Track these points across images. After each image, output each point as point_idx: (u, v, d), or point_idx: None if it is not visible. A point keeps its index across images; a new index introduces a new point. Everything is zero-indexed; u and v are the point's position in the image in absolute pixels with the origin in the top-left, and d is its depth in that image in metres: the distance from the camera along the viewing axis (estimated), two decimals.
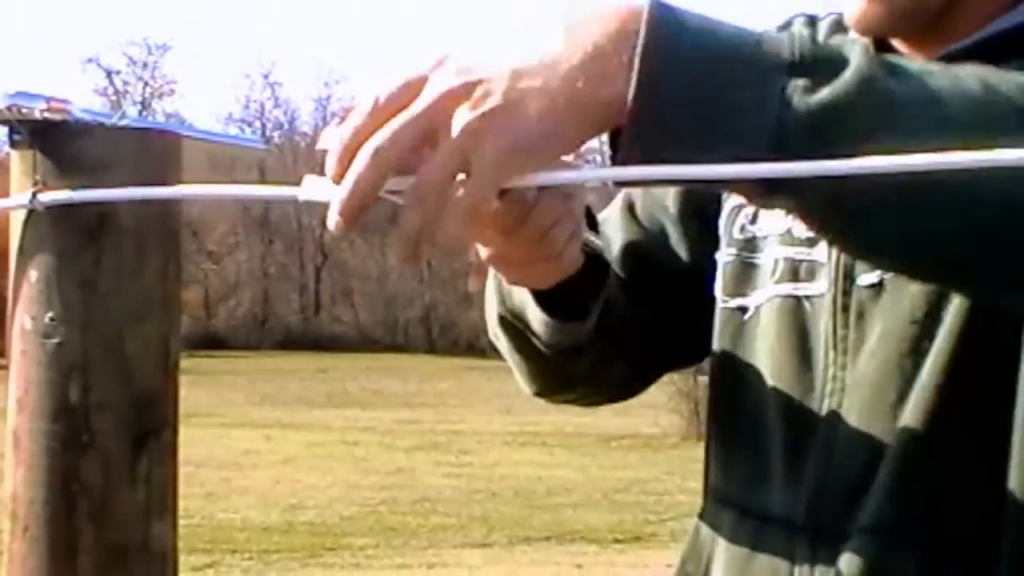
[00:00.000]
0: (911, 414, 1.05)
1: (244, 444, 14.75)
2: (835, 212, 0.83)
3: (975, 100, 0.83)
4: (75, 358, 0.92)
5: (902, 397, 1.06)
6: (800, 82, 0.79)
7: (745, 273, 1.20)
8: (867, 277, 1.09)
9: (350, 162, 0.82)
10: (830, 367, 1.11)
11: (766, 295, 1.17)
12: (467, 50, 0.82)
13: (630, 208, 1.33)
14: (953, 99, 0.83)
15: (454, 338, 37.73)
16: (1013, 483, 1.02)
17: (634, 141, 0.79)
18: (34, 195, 0.92)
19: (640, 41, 0.78)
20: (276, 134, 45.74)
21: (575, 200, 1.04)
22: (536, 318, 1.17)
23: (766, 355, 1.16)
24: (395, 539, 9.48)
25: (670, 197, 1.30)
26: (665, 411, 15.64)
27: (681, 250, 1.29)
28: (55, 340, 0.92)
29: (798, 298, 1.14)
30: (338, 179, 0.83)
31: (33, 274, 0.93)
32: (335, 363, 30.25)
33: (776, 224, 1.18)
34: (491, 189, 0.81)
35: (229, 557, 8.66)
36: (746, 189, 0.84)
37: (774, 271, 1.17)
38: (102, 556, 0.92)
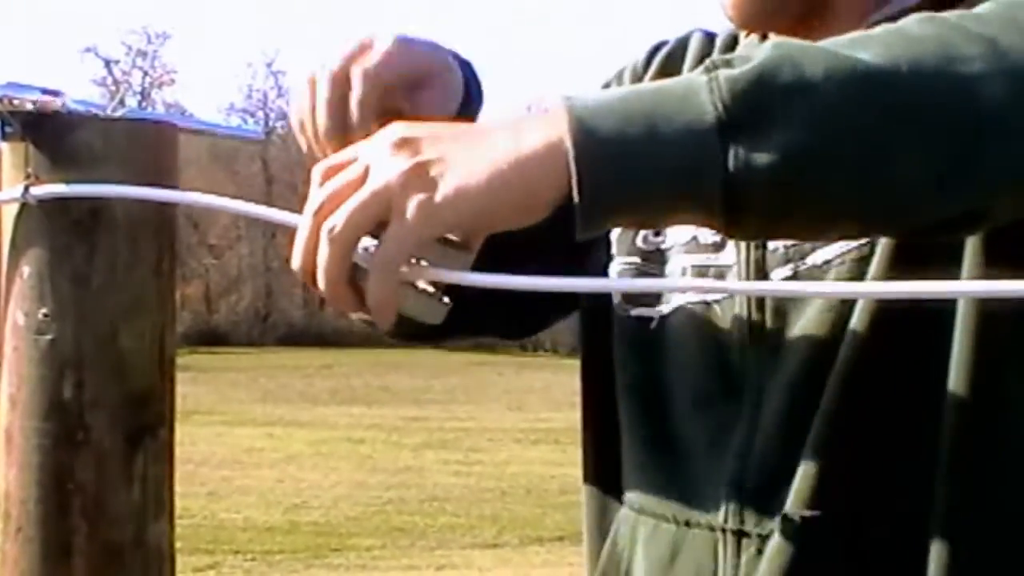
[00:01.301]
0: (831, 397, 1.05)
1: (246, 442, 14.74)
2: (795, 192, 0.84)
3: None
4: (68, 354, 0.91)
5: (822, 383, 1.05)
6: (722, 72, 0.84)
7: None
8: (780, 271, 1.10)
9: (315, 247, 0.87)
10: (749, 365, 1.11)
11: (674, 305, 1.17)
12: (413, 131, 0.87)
13: None
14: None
15: None
16: (943, 462, 1.02)
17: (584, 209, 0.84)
18: (26, 189, 0.91)
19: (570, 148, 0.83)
20: (279, 124, 45.67)
21: None
22: None
23: (679, 366, 1.16)
24: (402, 540, 9.46)
25: None
26: None
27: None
28: (48, 336, 0.91)
29: (708, 304, 1.14)
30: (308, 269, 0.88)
31: (26, 269, 0.92)
32: (340, 359, 30.19)
33: (682, 234, 1.18)
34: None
35: (231, 558, 8.65)
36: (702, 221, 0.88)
37: None
38: (97, 556, 0.91)
